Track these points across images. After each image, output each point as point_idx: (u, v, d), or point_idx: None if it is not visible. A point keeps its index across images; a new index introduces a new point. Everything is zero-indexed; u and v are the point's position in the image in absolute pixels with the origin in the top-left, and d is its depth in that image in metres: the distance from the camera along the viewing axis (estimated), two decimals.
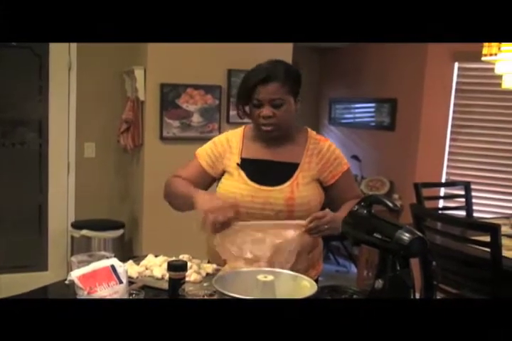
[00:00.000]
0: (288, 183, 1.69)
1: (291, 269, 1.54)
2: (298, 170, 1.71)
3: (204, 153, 1.80)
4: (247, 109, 1.72)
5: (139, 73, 3.38)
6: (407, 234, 1.34)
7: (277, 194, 1.67)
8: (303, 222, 1.61)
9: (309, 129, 1.82)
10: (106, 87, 3.76)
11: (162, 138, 3.44)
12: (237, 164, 1.73)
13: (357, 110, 4.87)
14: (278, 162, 1.73)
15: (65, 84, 3.68)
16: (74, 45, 3.65)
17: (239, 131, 1.82)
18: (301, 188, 1.69)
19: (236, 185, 1.72)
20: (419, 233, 1.36)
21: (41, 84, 3.66)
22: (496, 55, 2.68)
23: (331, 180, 1.75)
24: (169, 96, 3.41)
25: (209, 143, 1.82)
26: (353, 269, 4.50)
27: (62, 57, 3.64)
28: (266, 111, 1.65)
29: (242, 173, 1.72)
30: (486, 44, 2.72)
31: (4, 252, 3.62)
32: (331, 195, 1.78)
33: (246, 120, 1.78)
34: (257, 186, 1.70)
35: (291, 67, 1.72)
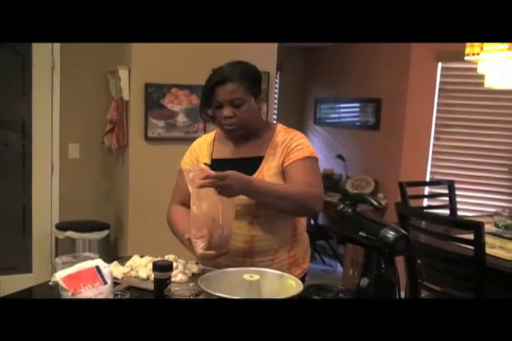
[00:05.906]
0: (253, 177, 1.68)
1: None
2: (263, 163, 1.71)
3: (185, 165, 1.83)
4: (209, 112, 1.74)
5: (123, 73, 3.36)
6: (391, 232, 1.35)
7: None
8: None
9: (280, 125, 1.82)
10: (90, 87, 3.73)
11: (147, 138, 3.43)
12: (206, 164, 1.75)
13: (342, 110, 4.89)
14: (244, 158, 1.73)
15: (49, 84, 3.64)
16: (57, 45, 3.61)
17: (211, 134, 1.87)
18: (266, 180, 1.67)
19: None
20: (403, 231, 1.38)
21: (24, 84, 3.62)
22: (478, 54, 2.70)
23: (285, 163, 1.69)
24: (154, 97, 3.40)
25: (187, 153, 1.87)
26: (339, 268, 4.51)
27: (46, 57, 3.60)
28: (226, 111, 1.67)
29: None
30: (468, 44, 2.75)
31: None
32: (285, 180, 1.69)
33: None
34: None
35: (250, 68, 1.73)
